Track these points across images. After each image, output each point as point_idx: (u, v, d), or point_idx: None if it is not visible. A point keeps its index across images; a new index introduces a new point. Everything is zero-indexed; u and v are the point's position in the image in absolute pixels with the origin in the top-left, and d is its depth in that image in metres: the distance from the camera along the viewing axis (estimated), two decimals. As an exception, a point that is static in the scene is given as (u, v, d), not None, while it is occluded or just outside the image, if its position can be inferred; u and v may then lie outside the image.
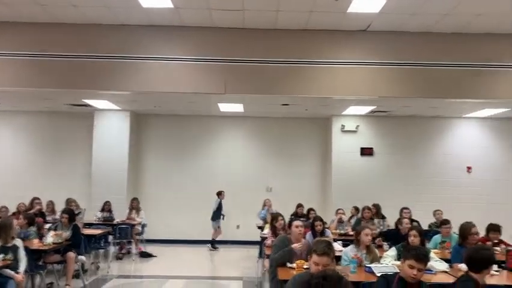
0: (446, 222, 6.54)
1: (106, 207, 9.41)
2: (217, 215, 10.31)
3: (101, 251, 8.54)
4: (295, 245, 4.66)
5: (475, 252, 3.52)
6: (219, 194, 10.41)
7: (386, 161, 10.88)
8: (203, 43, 7.63)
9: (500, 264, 5.13)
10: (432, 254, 5.01)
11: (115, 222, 9.06)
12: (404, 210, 8.20)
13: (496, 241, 6.27)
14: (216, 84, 7.88)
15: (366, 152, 10.87)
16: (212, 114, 11.29)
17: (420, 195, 10.36)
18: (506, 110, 9.56)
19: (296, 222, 4.80)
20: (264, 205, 9.64)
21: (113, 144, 10.77)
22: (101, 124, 10.89)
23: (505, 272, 4.90)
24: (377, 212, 8.80)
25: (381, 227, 7.79)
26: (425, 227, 8.19)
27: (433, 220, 8.60)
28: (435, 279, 4.39)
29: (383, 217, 8.58)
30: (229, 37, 7.73)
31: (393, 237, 6.43)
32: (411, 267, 3.22)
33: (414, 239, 5.07)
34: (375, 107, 9.73)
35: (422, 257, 3.23)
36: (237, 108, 9.98)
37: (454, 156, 10.80)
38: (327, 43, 7.91)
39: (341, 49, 7.96)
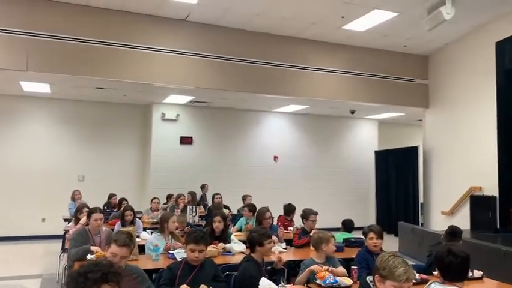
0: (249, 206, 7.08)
1: None
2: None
3: None
4: (94, 248, 4.38)
5: (250, 235, 3.93)
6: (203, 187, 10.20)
7: (204, 149, 11.22)
8: (1, 12, 6.62)
9: (290, 242, 5.84)
10: (232, 237, 5.37)
11: None
12: (216, 196, 8.63)
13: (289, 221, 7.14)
14: (17, 60, 6.93)
15: (185, 140, 11.03)
16: (14, 94, 9.86)
17: (234, 181, 11.00)
18: (306, 107, 10.91)
19: (95, 215, 4.54)
20: (73, 197, 8.79)
21: None
22: None
23: (292, 248, 5.57)
24: (192, 199, 9.05)
25: (194, 214, 8.02)
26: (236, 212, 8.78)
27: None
28: (234, 260, 4.72)
29: (198, 204, 8.86)
30: (33, 8, 6.88)
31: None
32: (192, 250, 3.38)
33: (218, 225, 5.28)
34: (194, 97, 9.94)
35: (199, 239, 3.39)
36: (43, 88, 8.94)
37: (264, 146, 11.82)
38: (145, 27, 7.72)
39: (160, 35, 7.86)
